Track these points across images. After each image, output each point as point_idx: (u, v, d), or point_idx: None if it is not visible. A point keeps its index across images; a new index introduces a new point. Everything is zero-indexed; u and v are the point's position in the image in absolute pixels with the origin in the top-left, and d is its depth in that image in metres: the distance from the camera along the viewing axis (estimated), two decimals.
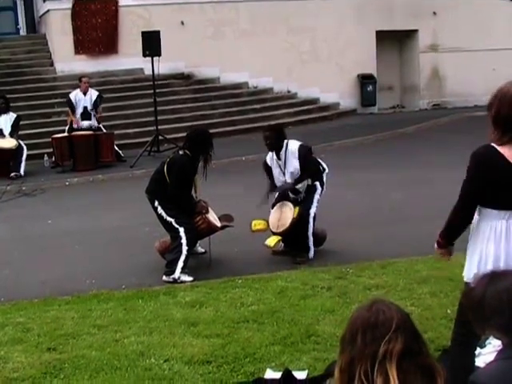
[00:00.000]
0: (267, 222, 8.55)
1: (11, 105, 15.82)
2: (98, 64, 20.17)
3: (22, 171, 14.96)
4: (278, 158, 8.54)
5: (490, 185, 4.05)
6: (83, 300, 7.25)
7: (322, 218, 8.69)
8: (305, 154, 8.46)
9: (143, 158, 15.57)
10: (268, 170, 8.73)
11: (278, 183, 8.64)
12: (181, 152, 8.26)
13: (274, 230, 8.49)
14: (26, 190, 13.80)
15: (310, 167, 8.52)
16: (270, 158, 8.67)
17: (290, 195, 8.66)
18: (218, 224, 8.49)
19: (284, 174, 8.53)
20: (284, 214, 8.48)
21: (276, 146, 8.52)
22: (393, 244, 8.78)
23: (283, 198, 8.66)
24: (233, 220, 8.76)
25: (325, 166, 8.73)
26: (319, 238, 8.65)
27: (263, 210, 8.64)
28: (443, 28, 22.98)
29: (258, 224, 8.58)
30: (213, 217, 8.49)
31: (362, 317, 2.63)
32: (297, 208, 8.47)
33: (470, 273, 4.24)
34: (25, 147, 15.13)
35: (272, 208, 8.65)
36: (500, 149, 4.01)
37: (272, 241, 8.44)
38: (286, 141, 8.52)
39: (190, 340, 5.95)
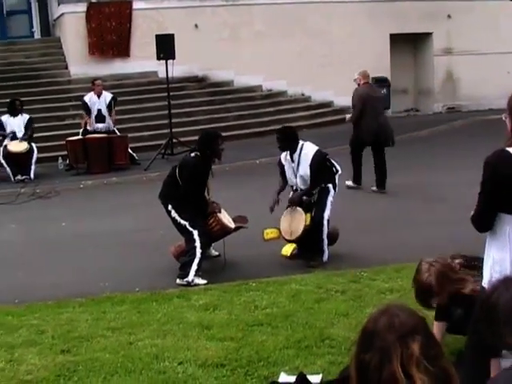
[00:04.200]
0: (279, 230, 8.49)
1: (26, 107, 15.88)
2: (112, 67, 20.26)
3: (32, 174, 14.98)
4: (292, 159, 8.52)
5: (503, 189, 3.95)
6: (97, 302, 7.26)
7: (335, 222, 8.65)
8: (317, 164, 8.38)
9: (157, 160, 15.61)
10: (282, 168, 8.73)
11: (291, 183, 8.63)
12: (192, 154, 8.29)
13: (286, 238, 8.45)
14: (40, 192, 13.84)
15: (317, 179, 8.44)
16: (284, 157, 8.66)
17: (304, 198, 8.62)
18: (232, 225, 8.48)
19: (296, 175, 8.52)
20: (295, 220, 8.43)
21: (285, 147, 8.51)
22: (407, 248, 8.70)
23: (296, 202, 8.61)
24: (247, 221, 8.75)
25: (338, 167, 8.67)
26: (332, 236, 8.61)
27: (276, 213, 8.62)
28: (457, 31, 22.91)
29: (270, 233, 8.53)
30: (226, 218, 8.48)
31: (376, 320, 2.60)
32: (308, 214, 8.41)
33: (484, 277, 4.21)
34: (35, 150, 15.11)
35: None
36: None
37: (288, 249, 8.40)
38: (301, 143, 8.51)
39: (203, 343, 5.94)
